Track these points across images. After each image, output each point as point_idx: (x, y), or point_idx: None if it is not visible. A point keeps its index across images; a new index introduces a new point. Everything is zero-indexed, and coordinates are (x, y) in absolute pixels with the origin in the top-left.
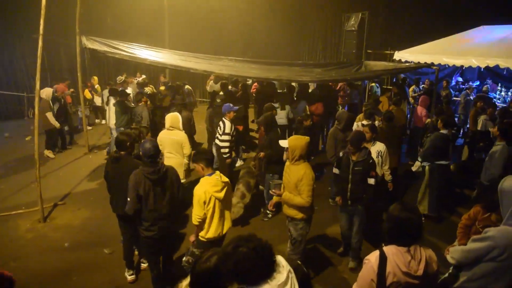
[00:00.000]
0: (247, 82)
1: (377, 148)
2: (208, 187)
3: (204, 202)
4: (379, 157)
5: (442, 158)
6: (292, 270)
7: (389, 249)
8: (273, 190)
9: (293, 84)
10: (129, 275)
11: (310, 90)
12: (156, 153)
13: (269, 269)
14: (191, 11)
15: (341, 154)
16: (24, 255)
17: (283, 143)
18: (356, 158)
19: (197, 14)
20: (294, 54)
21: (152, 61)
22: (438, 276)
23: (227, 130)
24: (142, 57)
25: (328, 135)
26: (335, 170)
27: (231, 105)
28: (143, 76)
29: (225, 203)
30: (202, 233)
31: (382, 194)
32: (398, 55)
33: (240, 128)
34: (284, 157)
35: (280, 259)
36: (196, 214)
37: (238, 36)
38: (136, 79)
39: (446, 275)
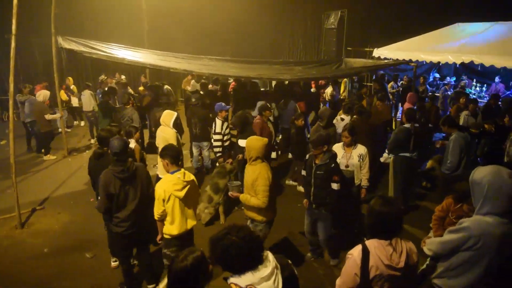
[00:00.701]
0: (228, 81)
1: (358, 151)
2: (168, 186)
3: (163, 200)
4: (361, 160)
5: (405, 151)
6: (279, 267)
7: (371, 243)
8: (230, 192)
9: (286, 82)
10: (113, 262)
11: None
12: (122, 151)
13: (255, 261)
14: (170, 10)
15: (307, 156)
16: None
17: (242, 142)
18: (319, 162)
19: (176, 14)
20: (275, 52)
21: (131, 61)
22: (418, 267)
23: (218, 129)
24: (120, 57)
25: (311, 133)
26: (303, 172)
27: (223, 104)
28: (123, 77)
29: (188, 201)
30: (166, 230)
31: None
32: (377, 52)
33: None
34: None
35: (268, 254)
36: (156, 210)
37: (218, 35)
38: (116, 80)
39: (424, 266)
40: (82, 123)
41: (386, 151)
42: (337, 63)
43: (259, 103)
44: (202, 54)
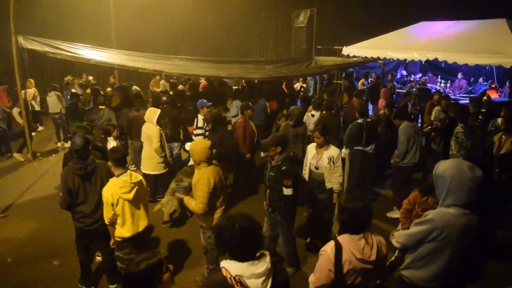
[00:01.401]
0: (199, 81)
1: (329, 153)
2: (115, 189)
3: (112, 204)
4: (331, 163)
5: (359, 144)
6: (271, 270)
7: (343, 238)
8: (176, 193)
9: (256, 80)
10: (98, 256)
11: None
12: (83, 149)
13: (249, 253)
14: (138, 10)
15: (262, 154)
16: None
17: (187, 145)
18: (273, 163)
19: (145, 13)
20: (246, 51)
21: (98, 61)
22: (387, 259)
23: (200, 124)
24: (86, 58)
25: (279, 131)
26: (266, 172)
27: (205, 101)
28: (91, 78)
29: (138, 202)
30: (117, 233)
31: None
32: (346, 50)
33: (191, 129)
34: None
35: (267, 255)
36: (105, 215)
37: (188, 34)
38: (83, 80)
39: (393, 258)
40: (40, 128)
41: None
42: (307, 61)
43: (235, 103)
44: (172, 55)
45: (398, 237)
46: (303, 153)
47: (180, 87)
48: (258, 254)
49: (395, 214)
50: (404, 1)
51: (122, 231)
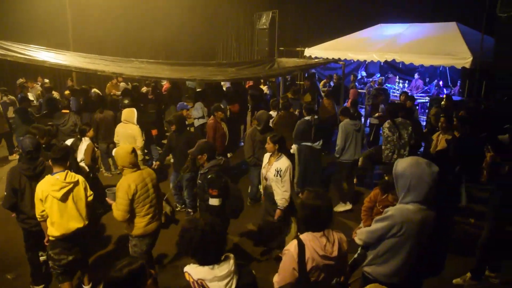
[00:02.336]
0: (162, 83)
1: (277, 165)
2: (46, 186)
3: (41, 200)
4: (278, 176)
5: (306, 140)
6: (237, 272)
7: (305, 236)
8: (107, 199)
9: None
10: (41, 256)
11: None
12: (34, 150)
13: (210, 256)
14: (97, 12)
15: (229, 155)
16: None
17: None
18: (201, 170)
19: (104, 15)
20: (209, 53)
21: (53, 63)
22: (347, 255)
23: None
24: (41, 60)
25: (246, 136)
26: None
27: (185, 103)
28: (46, 80)
29: (71, 202)
30: (48, 232)
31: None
32: (308, 51)
33: (154, 132)
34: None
35: (231, 258)
36: (36, 211)
37: (149, 38)
38: (38, 84)
39: (356, 255)
40: None
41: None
42: (270, 63)
43: (198, 104)
44: (133, 57)
45: (360, 234)
46: None
47: (144, 89)
48: (222, 257)
49: (341, 207)
50: (363, 4)
51: (52, 230)
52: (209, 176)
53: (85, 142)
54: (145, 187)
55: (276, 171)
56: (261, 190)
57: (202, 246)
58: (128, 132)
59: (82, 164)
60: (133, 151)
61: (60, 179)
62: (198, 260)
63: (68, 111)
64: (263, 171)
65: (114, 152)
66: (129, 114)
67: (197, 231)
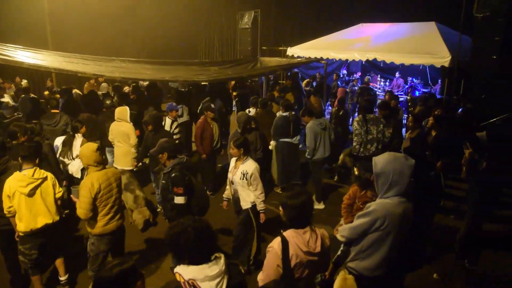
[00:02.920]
0: (143, 83)
1: (243, 168)
2: (13, 182)
3: (9, 196)
4: (244, 179)
5: (285, 136)
6: (227, 272)
7: (289, 233)
8: (71, 196)
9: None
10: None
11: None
12: None
13: (202, 256)
14: (76, 10)
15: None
16: None
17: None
18: (164, 170)
19: (84, 14)
20: (191, 53)
21: (31, 64)
22: (330, 251)
23: (167, 128)
24: (18, 60)
25: (229, 139)
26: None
27: (174, 104)
28: (24, 81)
29: (39, 198)
30: (17, 227)
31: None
32: (291, 51)
33: (137, 133)
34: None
35: (222, 258)
36: (3, 206)
37: (131, 36)
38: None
39: (339, 252)
40: None
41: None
42: (253, 62)
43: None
44: (114, 56)
45: (343, 231)
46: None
47: (126, 88)
48: (213, 257)
49: (315, 205)
50: (344, 3)
51: (21, 225)
52: (173, 174)
53: (79, 139)
54: (109, 186)
55: (242, 174)
56: (224, 196)
57: (197, 246)
58: (121, 130)
59: (78, 160)
60: (98, 149)
61: (27, 175)
62: (190, 260)
63: (58, 110)
64: (230, 175)
65: (81, 150)
66: (122, 112)
67: (189, 232)
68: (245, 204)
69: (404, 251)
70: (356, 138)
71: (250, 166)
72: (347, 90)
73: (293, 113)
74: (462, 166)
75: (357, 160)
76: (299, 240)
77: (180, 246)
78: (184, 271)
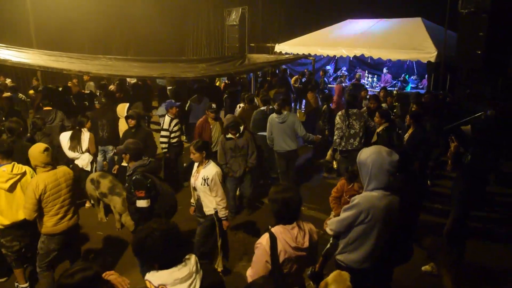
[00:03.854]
0: (130, 81)
1: (204, 173)
2: None
3: None
4: (205, 184)
5: (262, 130)
6: (201, 272)
7: (277, 229)
8: None
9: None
10: None
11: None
12: None
13: (171, 260)
14: (60, 7)
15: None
16: None
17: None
18: (128, 172)
19: (69, 10)
20: (179, 49)
21: (15, 62)
22: (318, 245)
23: (165, 126)
24: (2, 58)
25: (218, 142)
26: None
27: (173, 101)
28: (8, 80)
29: (19, 192)
30: None
31: None
32: (279, 47)
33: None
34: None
35: (192, 258)
36: None
37: (118, 33)
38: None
39: (328, 245)
40: None
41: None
42: (241, 59)
43: (163, 104)
44: (100, 54)
45: (331, 224)
46: (246, 169)
47: (111, 87)
48: (184, 258)
49: None
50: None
51: (2, 219)
52: (134, 177)
53: (86, 133)
54: (57, 187)
55: (203, 180)
56: (192, 201)
57: (164, 249)
58: (121, 127)
59: (87, 154)
60: (46, 150)
61: (7, 171)
62: (160, 265)
63: (51, 108)
64: (192, 180)
65: (29, 151)
66: (121, 108)
67: (155, 236)
68: (208, 210)
69: (393, 244)
70: (337, 132)
71: (210, 170)
72: (333, 86)
73: (270, 107)
74: (448, 159)
75: (340, 154)
76: (287, 236)
77: (146, 251)
78: (154, 278)
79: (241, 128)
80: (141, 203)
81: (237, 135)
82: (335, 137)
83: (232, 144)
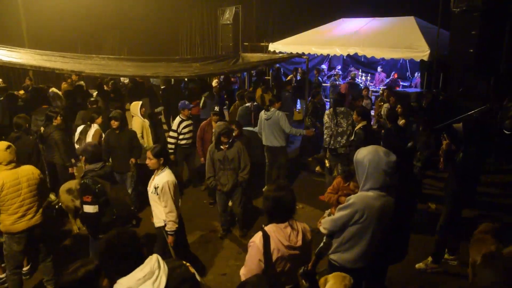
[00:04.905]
0: (125, 81)
1: (155, 182)
2: None
3: None
4: (155, 193)
5: (246, 125)
6: (163, 268)
7: (270, 228)
8: None
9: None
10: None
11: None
12: None
13: (131, 264)
14: (53, 7)
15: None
16: None
17: None
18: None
19: (62, 9)
20: (172, 49)
21: (6, 62)
22: (311, 244)
23: (174, 127)
24: None
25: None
26: None
27: (187, 102)
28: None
29: None
30: None
31: None
32: (272, 46)
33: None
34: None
35: (152, 257)
36: None
37: (112, 33)
38: None
39: (322, 244)
40: None
41: None
42: (235, 58)
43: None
44: (94, 54)
45: (325, 223)
46: (235, 184)
47: (106, 87)
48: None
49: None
50: None
51: None
52: (82, 181)
53: (93, 128)
54: (17, 186)
55: (154, 188)
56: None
57: (123, 258)
58: (133, 125)
59: None
60: (8, 147)
61: None
62: (121, 273)
63: (47, 106)
64: (148, 189)
65: None
66: (134, 107)
67: (114, 246)
68: (158, 221)
69: (388, 245)
70: (326, 131)
71: (162, 178)
72: (329, 84)
73: (254, 103)
74: (440, 157)
75: (330, 152)
76: (280, 235)
77: (107, 262)
78: (120, 285)
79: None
80: (88, 209)
81: (227, 145)
82: (324, 136)
83: (221, 156)
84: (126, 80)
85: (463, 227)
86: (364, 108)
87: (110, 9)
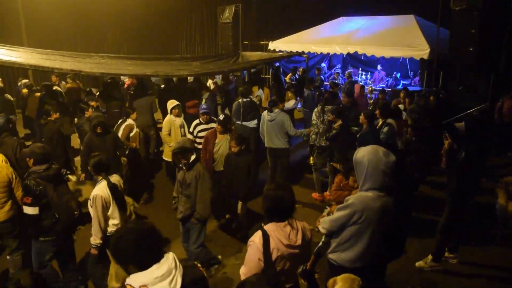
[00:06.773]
0: (124, 80)
1: (92, 193)
2: None
3: None
4: (91, 206)
5: (237, 119)
6: (180, 268)
7: (269, 227)
8: None
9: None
10: None
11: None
12: None
13: (148, 260)
14: (52, 5)
15: None
16: None
17: None
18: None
19: (61, 8)
20: (172, 48)
21: (5, 61)
22: (311, 242)
23: (190, 129)
24: None
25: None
26: None
27: (204, 106)
28: None
29: None
30: None
31: None
32: (272, 45)
33: None
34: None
35: (170, 255)
36: None
37: (112, 31)
38: None
39: (320, 244)
40: None
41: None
42: (234, 57)
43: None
44: (93, 52)
45: (323, 223)
46: (188, 216)
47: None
48: (162, 257)
49: None
50: None
51: None
52: (24, 182)
53: (126, 122)
54: None
55: (90, 200)
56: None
57: (138, 250)
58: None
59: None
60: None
61: None
62: (139, 265)
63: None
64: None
65: None
66: (169, 105)
67: (131, 233)
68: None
69: (385, 243)
70: (312, 128)
71: (94, 190)
72: (328, 83)
73: (245, 99)
74: (442, 156)
75: (316, 149)
76: (280, 234)
77: (120, 252)
78: (134, 280)
79: (193, 157)
80: (27, 210)
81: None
82: (311, 133)
83: (181, 177)
84: (126, 79)
85: (464, 226)
86: (339, 108)
87: (109, 7)
